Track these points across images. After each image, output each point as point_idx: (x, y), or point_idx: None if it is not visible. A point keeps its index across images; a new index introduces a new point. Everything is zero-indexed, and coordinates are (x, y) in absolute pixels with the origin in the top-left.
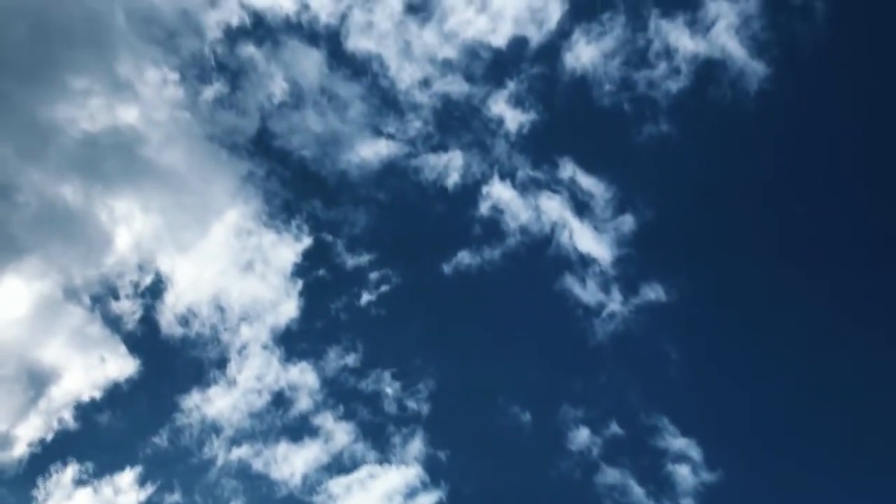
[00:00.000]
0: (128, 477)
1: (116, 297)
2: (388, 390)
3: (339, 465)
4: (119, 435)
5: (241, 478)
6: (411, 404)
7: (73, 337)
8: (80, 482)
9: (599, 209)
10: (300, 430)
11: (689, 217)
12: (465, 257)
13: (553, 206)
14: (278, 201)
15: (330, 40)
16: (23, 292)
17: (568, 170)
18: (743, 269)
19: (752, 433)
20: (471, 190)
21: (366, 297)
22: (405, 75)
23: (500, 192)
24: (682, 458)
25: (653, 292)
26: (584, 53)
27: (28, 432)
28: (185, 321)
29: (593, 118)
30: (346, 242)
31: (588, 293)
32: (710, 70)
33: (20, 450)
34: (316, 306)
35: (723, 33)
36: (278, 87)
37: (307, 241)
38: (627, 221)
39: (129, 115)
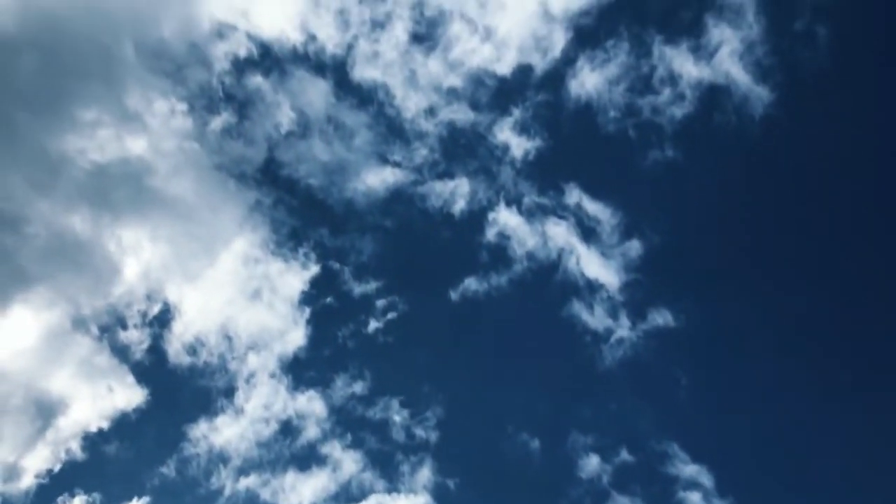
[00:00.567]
0: None
1: (124, 327)
2: (396, 418)
3: (348, 495)
4: (127, 465)
5: None
6: (419, 432)
7: (81, 367)
8: None
9: (606, 235)
10: (308, 458)
11: (695, 242)
12: (472, 284)
13: (560, 232)
14: (286, 229)
15: (336, 70)
16: (31, 323)
17: (574, 196)
18: (751, 292)
19: (762, 459)
20: (477, 216)
21: (373, 325)
22: (411, 104)
23: (506, 218)
24: (692, 484)
25: (661, 317)
26: (588, 80)
27: (35, 463)
28: (192, 350)
29: (599, 144)
30: (353, 270)
31: (596, 319)
32: (714, 96)
33: (27, 481)
34: (323, 334)
35: (726, 59)
36: (285, 117)
37: (314, 269)
38: (634, 247)
39: (137, 145)
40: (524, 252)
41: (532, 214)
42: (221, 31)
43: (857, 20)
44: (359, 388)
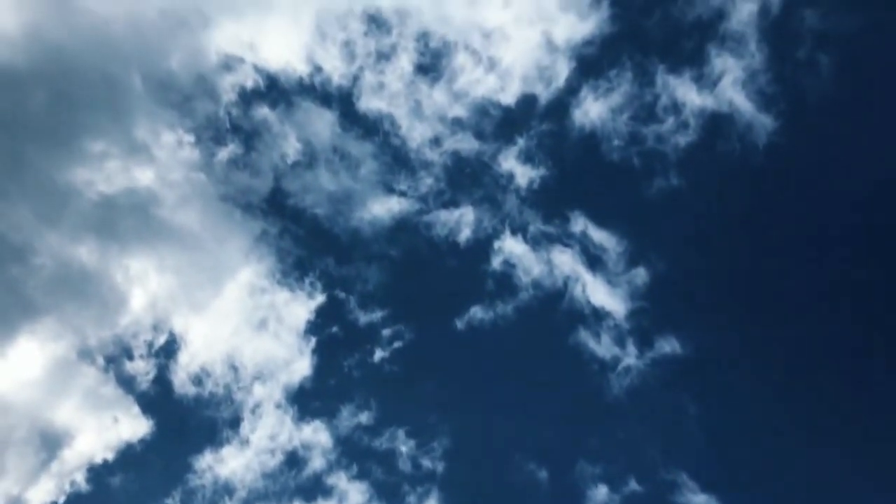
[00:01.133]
0: None
1: (130, 358)
2: (403, 448)
3: None
4: (132, 497)
5: None
6: (426, 462)
7: (87, 398)
8: None
9: (612, 262)
10: (314, 490)
11: (701, 269)
12: (477, 312)
13: (565, 260)
14: (291, 259)
15: (342, 101)
16: (37, 354)
17: (579, 224)
18: (758, 319)
19: (771, 488)
20: (483, 245)
21: (379, 354)
22: (416, 134)
23: (511, 246)
24: None
25: (668, 345)
26: (592, 109)
27: (40, 496)
28: (198, 381)
29: (603, 172)
30: (359, 299)
31: (603, 347)
32: (718, 124)
33: None
34: (329, 364)
35: (729, 88)
36: (292, 147)
37: (320, 299)
38: (640, 274)
39: (145, 176)
40: (530, 280)
41: (537, 242)
42: (229, 64)
43: (858, 48)
44: (365, 418)
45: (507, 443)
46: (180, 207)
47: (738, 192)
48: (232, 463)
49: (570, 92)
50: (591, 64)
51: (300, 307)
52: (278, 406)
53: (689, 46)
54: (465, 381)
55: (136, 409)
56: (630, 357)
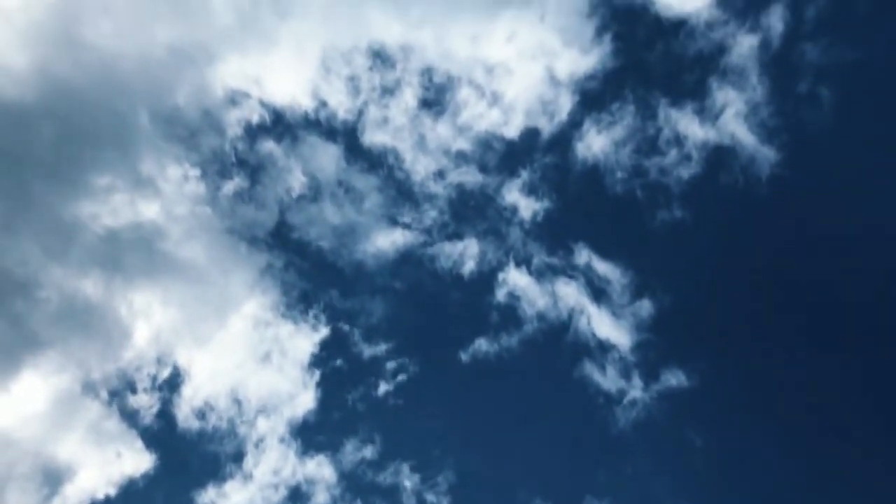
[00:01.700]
0: None
1: (134, 391)
2: (407, 483)
3: None
4: None
5: None
6: (431, 497)
7: (90, 432)
8: None
9: (616, 295)
10: None
11: (706, 301)
12: (482, 345)
13: (570, 292)
14: (296, 292)
15: (347, 135)
16: (40, 388)
17: (583, 256)
18: (764, 351)
19: None
20: (487, 277)
21: (383, 388)
22: (420, 167)
23: (516, 278)
24: None
25: (674, 378)
26: (595, 142)
27: None
28: (201, 414)
29: (607, 205)
30: (363, 332)
31: (608, 380)
32: (720, 156)
33: None
34: (333, 397)
35: (731, 121)
36: (297, 181)
37: (324, 331)
38: (645, 306)
39: (150, 210)
40: (534, 312)
41: (542, 275)
42: (235, 99)
43: (859, 81)
44: (369, 452)
45: (513, 477)
46: (185, 241)
47: (741, 224)
48: (235, 498)
49: (572, 125)
50: (593, 98)
51: (304, 340)
52: (282, 440)
53: (690, 80)
54: (469, 415)
55: (139, 443)
56: (636, 390)
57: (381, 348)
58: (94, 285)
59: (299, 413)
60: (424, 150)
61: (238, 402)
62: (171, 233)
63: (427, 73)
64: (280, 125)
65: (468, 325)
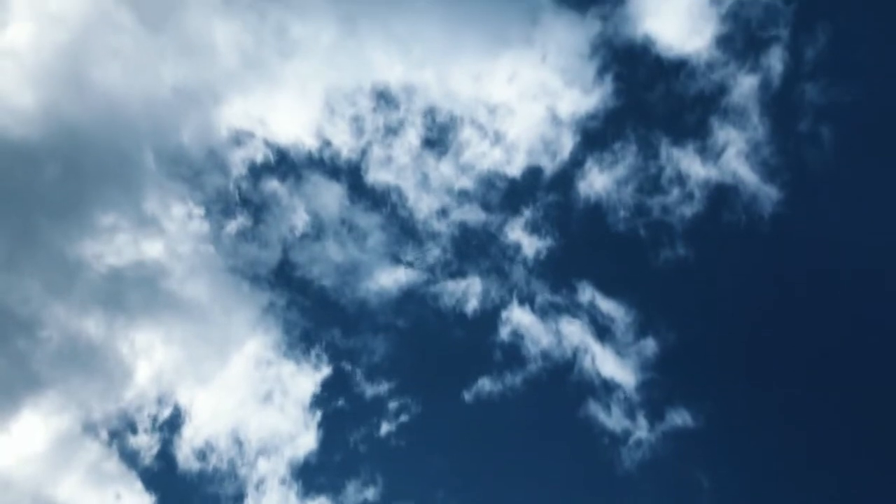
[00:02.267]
0: None
1: (134, 432)
2: None
3: None
4: None
5: None
6: None
7: (89, 473)
8: None
9: (620, 333)
10: None
11: (711, 339)
12: (486, 384)
13: (574, 331)
14: (298, 331)
15: (351, 174)
16: (40, 428)
17: (587, 294)
18: (769, 390)
19: None
20: (490, 316)
21: (385, 428)
22: (423, 205)
23: (519, 317)
24: None
25: (679, 417)
26: (597, 181)
27: None
28: (202, 455)
29: (610, 243)
30: (366, 371)
31: (613, 420)
32: (722, 195)
33: None
34: (335, 438)
35: (733, 159)
36: (300, 220)
37: (326, 371)
38: (650, 345)
39: (154, 249)
40: (538, 351)
41: (545, 313)
42: (239, 138)
43: (859, 121)
44: (371, 494)
45: None
46: (188, 279)
47: (744, 262)
48: None
49: (575, 164)
50: (595, 137)
51: (306, 379)
52: (283, 482)
53: (692, 119)
54: (473, 455)
55: (138, 484)
56: (641, 430)
57: (384, 388)
58: (97, 324)
59: (300, 454)
60: (427, 188)
61: (239, 443)
62: (174, 271)
63: (430, 112)
64: (284, 164)
65: (471, 365)
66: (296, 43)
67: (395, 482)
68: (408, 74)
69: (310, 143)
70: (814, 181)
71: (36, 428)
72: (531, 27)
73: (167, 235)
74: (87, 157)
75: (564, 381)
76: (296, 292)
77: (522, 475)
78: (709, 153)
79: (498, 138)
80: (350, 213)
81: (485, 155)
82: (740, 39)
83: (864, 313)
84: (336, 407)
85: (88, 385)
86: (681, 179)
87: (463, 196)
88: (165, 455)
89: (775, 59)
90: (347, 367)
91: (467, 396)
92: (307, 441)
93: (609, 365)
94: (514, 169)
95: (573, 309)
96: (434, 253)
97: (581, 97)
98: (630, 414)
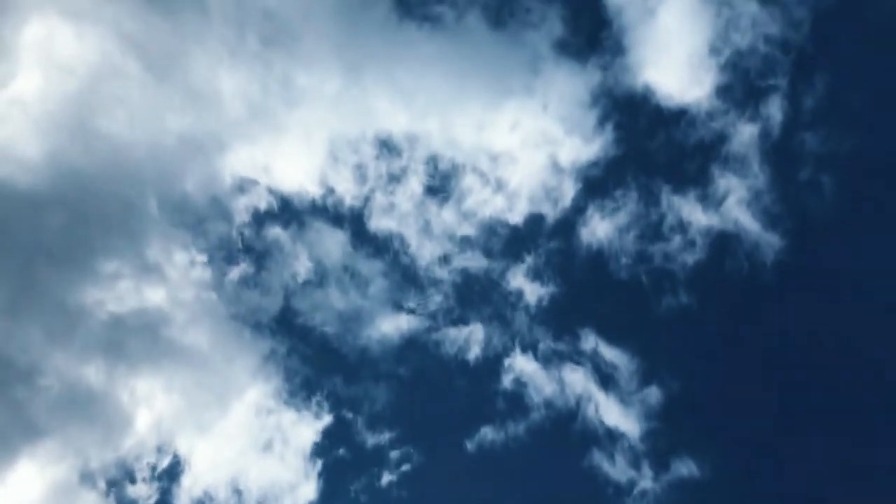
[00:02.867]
0: None
1: (133, 481)
2: None
3: None
4: None
5: None
6: None
7: None
8: None
9: (624, 381)
10: None
11: (715, 388)
12: (488, 433)
13: (577, 379)
14: (299, 379)
15: (353, 221)
16: (37, 477)
17: (590, 341)
18: (774, 439)
19: None
20: (493, 363)
21: (387, 478)
22: (425, 252)
23: (522, 364)
24: None
25: (685, 467)
26: (599, 228)
27: None
28: None
29: (612, 290)
30: (367, 419)
31: (618, 469)
32: (724, 242)
33: None
34: (336, 488)
35: (734, 207)
36: (303, 267)
37: (327, 419)
38: (654, 393)
39: (156, 296)
40: (542, 399)
41: (548, 360)
42: (243, 186)
43: (858, 169)
44: None
45: None
46: (190, 327)
47: (748, 310)
48: None
49: (576, 211)
50: (596, 184)
51: (307, 428)
52: None
53: (692, 167)
54: None
55: None
56: (646, 480)
57: (385, 437)
58: (97, 372)
59: None
60: (429, 235)
61: (238, 492)
62: (176, 319)
63: (432, 160)
64: (287, 211)
65: (474, 413)
66: (301, 92)
67: None
68: (411, 123)
69: (313, 190)
70: (815, 229)
71: (33, 477)
72: (533, 77)
73: (169, 282)
74: (91, 205)
75: (568, 430)
76: (297, 339)
77: None
78: (710, 201)
79: (500, 186)
80: (352, 259)
81: (487, 202)
82: (740, 89)
83: (866, 359)
84: (337, 456)
85: (87, 433)
86: (682, 227)
87: (465, 243)
88: None
89: (774, 109)
90: (348, 415)
91: (470, 446)
92: (307, 491)
93: (613, 414)
94: (516, 216)
95: (576, 356)
96: (436, 300)
97: (582, 145)
98: (635, 464)
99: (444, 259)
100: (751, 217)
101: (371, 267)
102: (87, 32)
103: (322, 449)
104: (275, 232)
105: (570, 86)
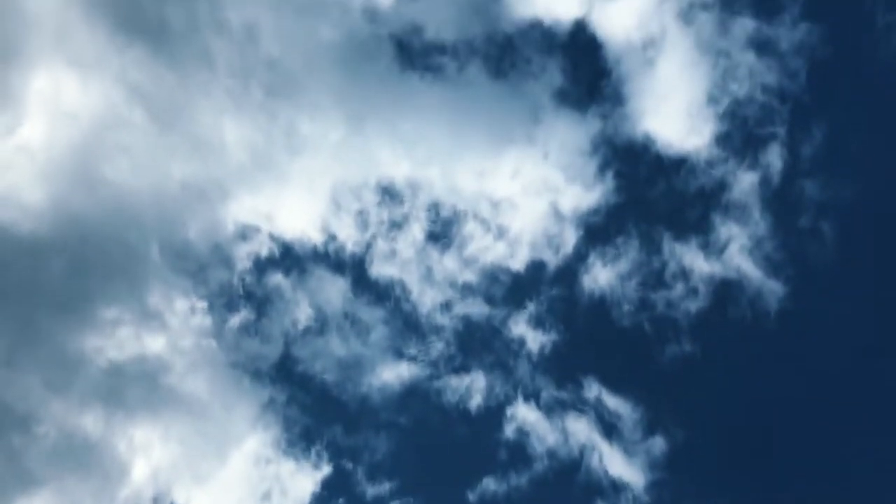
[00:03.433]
0: None
1: None
2: None
3: None
4: None
5: None
6: None
7: None
8: None
9: (628, 431)
10: None
11: (720, 438)
12: (490, 484)
13: (580, 428)
14: (298, 428)
15: (355, 268)
16: None
17: (593, 390)
18: (781, 488)
19: None
20: (494, 412)
21: None
22: (427, 299)
23: (524, 413)
24: None
25: None
26: (601, 276)
27: None
28: None
29: (614, 338)
30: (367, 470)
31: None
32: (727, 290)
33: None
34: None
35: (736, 255)
36: (303, 314)
37: (326, 469)
38: (658, 444)
39: (156, 344)
40: (544, 449)
41: (551, 409)
42: (245, 233)
43: (859, 216)
44: None
45: None
46: (189, 375)
47: (752, 358)
48: None
49: (578, 258)
50: (597, 232)
51: (306, 478)
52: None
53: (693, 215)
54: None
55: None
56: None
57: (385, 487)
58: (95, 420)
59: None
60: (431, 282)
61: None
62: (175, 366)
63: (434, 207)
64: (289, 258)
65: (476, 463)
66: (304, 140)
67: None
68: (413, 171)
69: (315, 237)
70: (817, 276)
71: None
72: (533, 126)
73: (169, 330)
74: (93, 252)
75: (572, 481)
76: (297, 388)
77: None
78: (712, 249)
79: (501, 233)
80: (353, 306)
81: (488, 249)
82: (738, 137)
83: (869, 408)
84: None
85: (83, 484)
86: (684, 275)
87: (466, 290)
88: None
89: (774, 156)
90: (348, 465)
91: (472, 497)
92: None
93: (617, 464)
94: (518, 263)
95: (579, 405)
96: (437, 347)
97: (583, 193)
98: None
99: (446, 306)
100: (752, 264)
101: (372, 314)
102: (92, 81)
103: (321, 500)
104: (276, 279)
105: (570, 134)
